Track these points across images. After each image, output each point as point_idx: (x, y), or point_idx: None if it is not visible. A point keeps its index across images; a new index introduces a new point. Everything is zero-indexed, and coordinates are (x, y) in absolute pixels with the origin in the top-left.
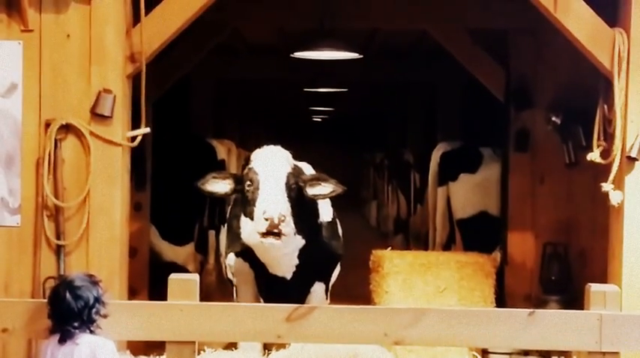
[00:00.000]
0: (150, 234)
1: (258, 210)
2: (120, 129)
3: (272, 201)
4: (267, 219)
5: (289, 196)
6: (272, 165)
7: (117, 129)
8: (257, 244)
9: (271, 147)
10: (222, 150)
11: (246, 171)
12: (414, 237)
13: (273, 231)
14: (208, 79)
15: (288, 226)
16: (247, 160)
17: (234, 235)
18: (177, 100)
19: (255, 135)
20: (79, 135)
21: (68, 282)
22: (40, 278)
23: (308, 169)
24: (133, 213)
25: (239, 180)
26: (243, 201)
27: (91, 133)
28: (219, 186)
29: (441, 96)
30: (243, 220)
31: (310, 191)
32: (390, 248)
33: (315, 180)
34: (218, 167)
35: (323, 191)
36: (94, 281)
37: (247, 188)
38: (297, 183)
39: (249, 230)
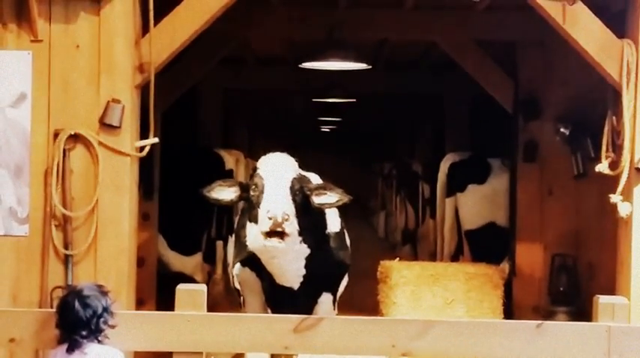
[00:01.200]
0: (158, 244)
1: (262, 210)
2: (128, 139)
3: (276, 201)
4: (270, 218)
5: (294, 200)
6: (277, 170)
7: (125, 139)
8: (261, 249)
9: (277, 153)
10: (231, 160)
11: (252, 174)
12: (422, 248)
13: (276, 231)
14: (217, 89)
15: (292, 226)
16: (254, 168)
17: (242, 245)
18: (186, 110)
19: (263, 145)
20: (87, 145)
21: (77, 292)
22: (47, 287)
23: (316, 179)
24: (141, 222)
25: (245, 188)
26: (249, 206)
27: (100, 143)
28: (224, 193)
29: (450, 107)
30: (249, 226)
31: (316, 200)
32: (397, 259)
33: (321, 189)
34: (226, 177)
35: (329, 200)
36: (102, 291)
37: (252, 193)
38: (302, 190)
39: (254, 233)
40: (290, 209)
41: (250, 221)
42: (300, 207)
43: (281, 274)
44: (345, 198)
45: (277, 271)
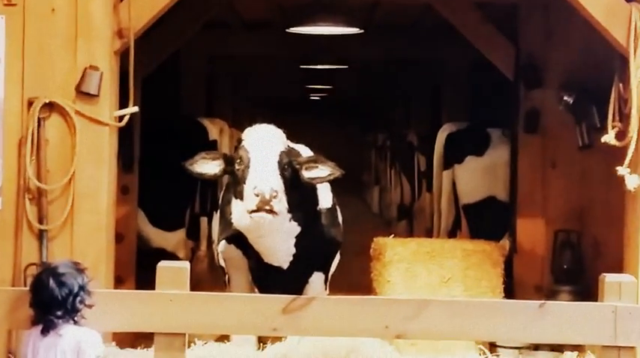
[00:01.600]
0: (138, 219)
1: (248, 187)
2: (107, 108)
3: (263, 176)
4: (257, 195)
5: (282, 175)
6: (264, 142)
7: (104, 107)
8: (248, 227)
9: (264, 125)
10: (214, 130)
11: (237, 146)
12: (418, 224)
13: (264, 209)
14: (200, 56)
15: (281, 203)
16: (239, 140)
17: (227, 221)
18: (168, 78)
19: (249, 114)
20: (63, 114)
21: (52, 269)
22: (21, 264)
23: (305, 152)
24: (120, 196)
25: (230, 161)
26: (233, 181)
27: (77, 112)
28: (208, 166)
29: (447, 74)
30: (234, 203)
31: (306, 174)
32: (392, 235)
33: (311, 163)
34: (210, 148)
35: (320, 174)
36: (79, 269)
37: (237, 167)
38: (291, 164)
39: (240, 211)
40: (279, 185)
41: (236, 197)
42: (290, 182)
43: (269, 253)
44: (337, 172)
45: (265, 250)
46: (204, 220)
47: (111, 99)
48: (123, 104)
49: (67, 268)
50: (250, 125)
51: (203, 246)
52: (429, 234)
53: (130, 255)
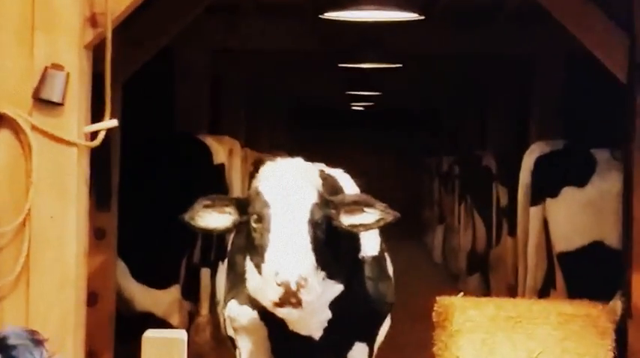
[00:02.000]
0: (117, 273)
1: (268, 267)
2: (74, 122)
3: (287, 258)
4: (279, 284)
5: (314, 238)
6: (290, 194)
7: (70, 121)
8: (268, 307)
9: (288, 161)
10: (221, 151)
11: (251, 194)
12: (496, 279)
13: (290, 302)
14: (202, 51)
15: (311, 292)
16: (256, 167)
17: (238, 276)
18: (158, 81)
19: (267, 130)
20: (15, 129)
21: None
22: None
23: (344, 180)
24: (94, 242)
25: (243, 207)
26: (249, 240)
27: (34, 127)
28: (214, 218)
29: (536, 74)
30: (250, 267)
31: (347, 220)
32: (461, 293)
33: (353, 205)
34: (215, 174)
35: (365, 220)
36: (36, 340)
37: (254, 224)
38: (326, 216)
39: (256, 285)
40: (309, 267)
41: (252, 260)
42: (324, 236)
43: (297, 322)
44: (390, 217)
45: (292, 319)
46: (205, 273)
47: (80, 109)
48: (96, 117)
49: (19, 339)
50: (270, 145)
51: (204, 309)
52: (511, 292)
53: (107, 322)
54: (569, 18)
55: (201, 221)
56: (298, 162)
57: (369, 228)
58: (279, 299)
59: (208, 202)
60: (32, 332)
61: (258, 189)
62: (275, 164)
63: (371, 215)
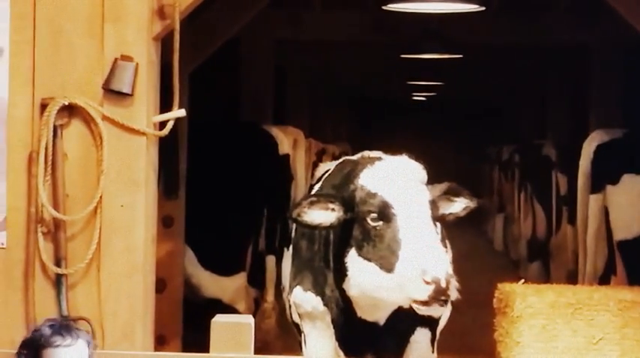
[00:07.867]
0: (185, 261)
1: (412, 268)
2: (144, 112)
3: (433, 256)
4: (428, 283)
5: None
6: (409, 191)
7: (140, 111)
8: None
9: (401, 158)
10: (286, 141)
11: (359, 192)
12: (556, 266)
13: (439, 299)
14: (266, 43)
15: (454, 288)
16: (320, 155)
17: (303, 262)
18: (223, 72)
19: (331, 120)
20: (87, 120)
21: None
22: (34, 320)
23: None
24: (162, 230)
25: (349, 204)
26: (363, 235)
27: (104, 117)
28: (319, 215)
29: (596, 64)
30: (357, 260)
31: (442, 210)
32: (522, 281)
33: (444, 196)
34: (280, 164)
35: (454, 209)
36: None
37: (372, 223)
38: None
39: (379, 283)
40: (449, 262)
41: (367, 258)
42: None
43: (370, 306)
44: (472, 204)
45: (366, 304)
46: (271, 260)
47: (149, 99)
48: (165, 107)
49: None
50: (333, 135)
51: (270, 296)
52: (571, 279)
53: (175, 308)
54: (626, 6)
55: (307, 217)
56: (407, 160)
57: (456, 217)
58: (429, 296)
59: (314, 199)
60: (70, 320)
61: (368, 188)
62: (382, 163)
63: (459, 203)
